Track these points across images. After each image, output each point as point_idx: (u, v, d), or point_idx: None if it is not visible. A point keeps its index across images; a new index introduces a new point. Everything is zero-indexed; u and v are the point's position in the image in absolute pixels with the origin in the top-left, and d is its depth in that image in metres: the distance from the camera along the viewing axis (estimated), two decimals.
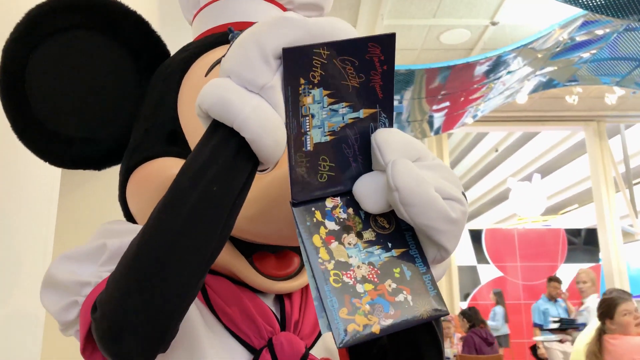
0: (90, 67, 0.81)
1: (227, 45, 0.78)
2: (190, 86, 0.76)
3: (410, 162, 0.56)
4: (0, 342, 1.09)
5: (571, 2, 3.06)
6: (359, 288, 0.54)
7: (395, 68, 0.57)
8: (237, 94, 0.52)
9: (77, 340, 0.65)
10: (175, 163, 0.71)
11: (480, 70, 4.39)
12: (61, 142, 0.81)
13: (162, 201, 0.54)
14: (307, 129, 0.55)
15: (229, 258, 0.70)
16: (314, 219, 0.56)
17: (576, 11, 3.75)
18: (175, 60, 0.81)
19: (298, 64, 0.52)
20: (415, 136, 5.81)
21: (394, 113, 0.59)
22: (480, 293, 7.14)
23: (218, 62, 0.75)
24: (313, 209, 0.57)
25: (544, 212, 8.87)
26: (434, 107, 5.15)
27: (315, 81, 0.53)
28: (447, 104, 5.06)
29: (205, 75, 0.75)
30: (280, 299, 0.73)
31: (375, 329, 0.52)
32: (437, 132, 6.04)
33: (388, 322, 0.53)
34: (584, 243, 7.61)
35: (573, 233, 7.58)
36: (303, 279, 0.73)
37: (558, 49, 4.31)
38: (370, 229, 0.58)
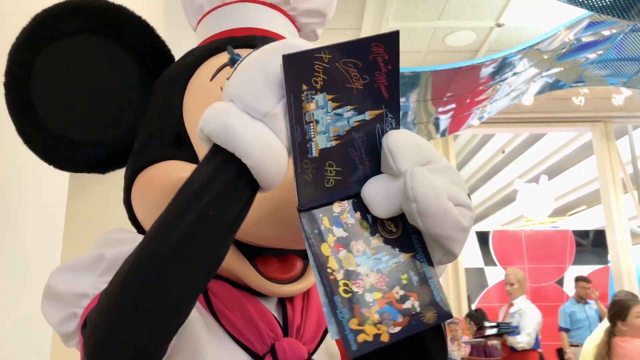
0: (95, 71, 0.82)
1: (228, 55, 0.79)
2: (195, 90, 0.77)
3: (426, 171, 0.56)
4: (10, 346, 1.10)
5: (576, 3, 3.05)
6: (368, 297, 0.54)
7: (401, 71, 0.57)
8: (240, 120, 0.52)
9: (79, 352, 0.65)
10: (180, 166, 0.71)
11: (486, 72, 4.38)
12: (66, 145, 0.81)
13: (156, 222, 0.54)
14: (312, 136, 0.54)
15: (232, 261, 0.70)
16: (322, 226, 0.56)
17: (582, 12, 3.74)
18: (180, 65, 0.81)
19: (299, 70, 0.52)
20: None
21: (400, 113, 0.59)
22: (487, 295, 7.10)
23: (223, 66, 0.76)
24: (320, 215, 0.57)
25: (552, 214, 8.82)
26: (440, 109, 5.14)
27: (318, 86, 0.53)
28: (453, 106, 5.05)
29: (211, 80, 0.75)
30: (282, 303, 0.73)
31: (384, 337, 0.53)
32: (443, 134, 6.03)
33: (396, 329, 0.54)
34: (592, 245, 7.56)
35: (581, 235, 7.53)
36: (306, 282, 0.73)
37: (564, 50, 4.29)
38: (378, 234, 0.58)
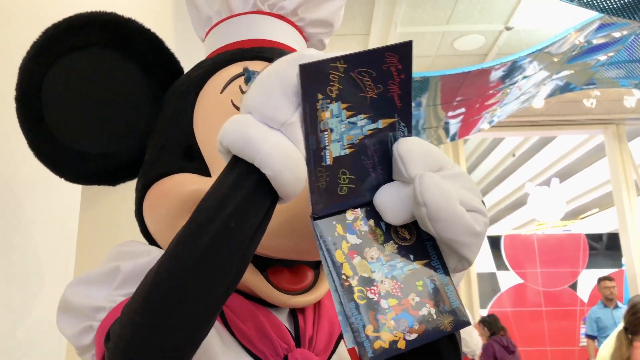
0: (105, 83, 0.83)
1: (242, 62, 0.79)
2: (205, 102, 0.77)
3: (436, 176, 0.56)
4: (25, 353, 1.10)
5: (586, 5, 3.03)
6: (384, 304, 0.54)
7: None
8: (258, 131, 0.53)
9: None
10: (192, 179, 0.72)
11: (495, 75, 4.36)
12: (76, 157, 0.82)
13: (179, 235, 0.55)
14: (326, 144, 0.55)
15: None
16: (336, 233, 0.57)
17: (591, 14, 3.71)
18: (190, 77, 0.82)
19: (315, 80, 0.52)
20: (431, 143, 5.75)
21: (413, 120, 0.59)
22: (499, 300, 7.05)
23: (234, 78, 0.76)
24: (334, 222, 0.57)
25: (564, 217, 8.75)
26: (450, 114, 5.12)
27: (333, 95, 0.53)
28: (463, 110, 5.03)
29: (221, 92, 0.76)
30: (293, 314, 0.73)
31: (401, 344, 0.53)
32: (453, 139, 6.01)
33: (413, 336, 0.54)
34: (605, 248, 7.48)
35: (594, 238, 7.46)
36: (317, 293, 0.73)
37: (574, 53, 4.27)
38: (391, 241, 0.58)
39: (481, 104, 4.86)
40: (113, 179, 0.86)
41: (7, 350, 1.06)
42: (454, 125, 5.48)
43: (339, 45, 4.52)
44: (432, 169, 0.57)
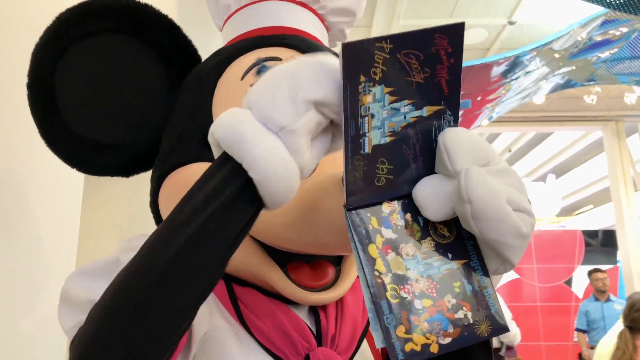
0: (121, 71, 0.80)
1: (263, 49, 0.76)
2: (225, 90, 0.74)
3: (483, 171, 0.52)
4: (28, 348, 1.09)
5: (592, 0, 3.00)
6: (417, 304, 0.51)
7: None
8: (254, 130, 0.49)
9: None
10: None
11: (497, 70, 4.34)
12: (90, 148, 0.79)
13: (156, 231, 0.51)
14: (366, 131, 0.51)
15: (263, 267, 0.67)
16: (370, 226, 0.53)
17: (595, 10, 3.69)
18: (209, 64, 0.79)
19: (358, 61, 0.48)
20: None
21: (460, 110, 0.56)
22: None
23: (254, 65, 0.73)
24: (369, 214, 0.54)
25: (559, 213, 8.77)
26: None
27: (377, 78, 0.49)
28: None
29: (241, 79, 0.73)
30: (314, 311, 0.70)
31: (434, 348, 0.50)
32: None
33: (447, 340, 0.51)
34: (601, 244, 7.51)
35: (590, 234, 7.48)
36: (339, 291, 0.70)
37: (577, 49, 4.25)
38: (429, 238, 0.55)
39: (482, 99, 4.85)
40: (127, 170, 0.84)
41: (11, 344, 1.04)
42: None
43: None
44: (479, 163, 0.53)
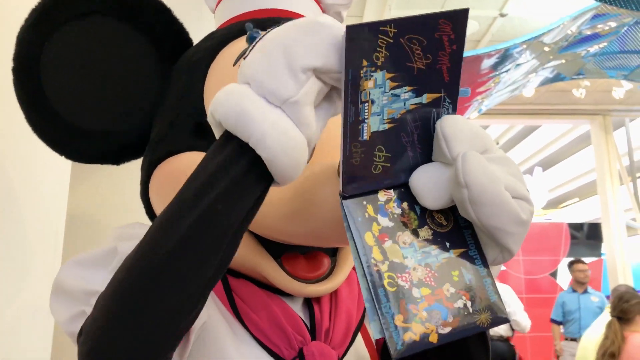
0: (109, 56, 0.77)
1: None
2: (217, 76, 0.72)
3: (481, 156, 0.51)
4: (12, 336, 1.07)
5: None
6: (415, 292, 0.50)
7: None
8: (256, 106, 0.47)
9: None
10: (202, 157, 0.67)
11: (487, 63, 4.34)
12: (78, 135, 0.77)
13: (160, 216, 0.49)
14: (365, 117, 0.50)
15: (257, 259, 0.66)
16: (366, 214, 0.52)
17: (586, 3, 3.70)
18: (200, 49, 0.77)
19: (362, 44, 0.47)
20: None
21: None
22: None
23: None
24: (365, 202, 0.53)
25: (545, 206, 8.85)
26: None
27: (379, 63, 0.48)
28: None
29: (234, 65, 0.71)
30: (308, 304, 0.69)
31: (433, 337, 0.49)
32: None
33: (446, 330, 0.49)
34: (586, 237, 7.60)
35: (576, 227, 7.56)
36: (334, 282, 0.69)
37: (567, 43, 4.26)
38: (426, 226, 0.53)
39: (472, 91, 4.85)
40: (117, 158, 0.82)
41: None
42: None
43: None
44: (477, 151, 0.52)
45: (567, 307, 5.02)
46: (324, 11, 0.87)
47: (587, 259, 6.71)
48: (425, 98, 0.52)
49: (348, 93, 0.48)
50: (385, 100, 0.50)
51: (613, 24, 3.98)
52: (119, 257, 0.62)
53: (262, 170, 0.49)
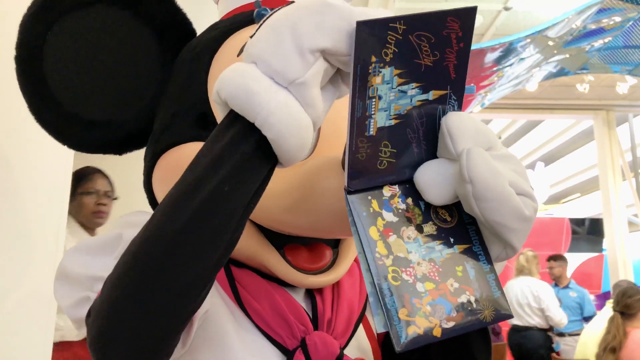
0: (112, 45, 0.77)
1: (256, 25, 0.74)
2: (221, 66, 0.71)
3: (485, 152, 0.51)
4: (15, 322, 1.08)
5: None
6: (419, 287, 0.50)
7: None
8: (263, 86, 0.47)
9: None
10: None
11: (491, 57, 4.32)
12: (80, 125, 0.77)
13: (166, 198, 0.49)
14: (372, 112, 0.50)
15: (259, 249, 0.66)
16: (371, 209, 0.52)
17: None
18: (204, 39, 0.77)
19: (372, 40, 0.47)
20: None
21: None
22: None
23: None
24: (369, 197, 0.53)
25: (547, 201, 8.85)
26: None
27: (387, 59, 0.48)
28: None
29: (238, 55, 0.71)
30: (310, 295, 0.69)
31: (437, 332, 0.49)
32: None
33: (450, 324, 0.50)
34: (587, 232, 7.60)
35: (577, 222, 7.56)
36: (336, 274, 0.69)
37: (571, 37, 4.24)
38: (431, 222, 0.54)
39: (476, 85, 4.83)
40: (120, 148, 0.82)
41: None
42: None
43: None
44: (482, 147, 0.52)
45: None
46: None
47: (589, 254, 6.72)
48: (432, 95, 0.52)
49: (356, 89, 0.48)
50: (393, 96, 0.50)
51: (618, 19, 3.96)
52: (124, 244, 0.62)
53: (267, 151, 0.49)
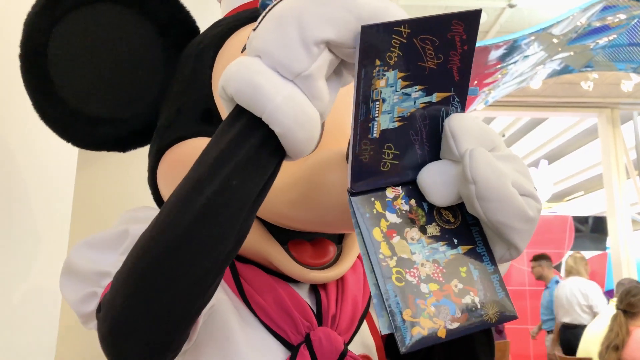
0: (116, 42, 0.78)
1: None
2: (225, 62, 0.72)
3: (488, 153, 0.51)
4: (19, 317, 1.08)
5: None
6: (424, 288, 0.50)
7: None
8: (269, 80, 0.47)
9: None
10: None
11: (495, 54, 4.31)
12: (85, 122, 0.77)
13: (175, 192, 0.49)
14: (376, 115, 0.50)
15: (263, 244, 0.67)
16: (374, 211, 0.53)
17: None
18: (208, 36, 0.77)
19: (376, 44, 0.47)
20: None
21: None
22: None
23: None
24: (373, 199, 0.53)
25: (550, 199, 8.82)
26: None
27: (392, 62, 0.48)
28: None
29: (242, 52, 0.71)
30: (315, 290, 0.69)
31: (441, 332, 0.49)
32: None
33: (454, 325, 0.50)
34: (591, 231, 7.59)
35: (580, 220, 7.55)
36: (340, 269, 0.69)
37: (576, 34, 4.22)
38: (434, 223, 0.54)
39: (479, 83, 4.82)
40: (124, 145, 0.82)
41: (3, 317, 1.03)
42: None
43: None
44: (485, 148, 0.53)
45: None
46: None
47: (592, 253, 6.70)
48: (435, 97, 0.52)
49: (360, 92, 0.48)
50: (396, 99, 0.51)
51: (623, 16, 3.94)
52: (131, 239, 0.63)
53: (275, 145, 0.49)
